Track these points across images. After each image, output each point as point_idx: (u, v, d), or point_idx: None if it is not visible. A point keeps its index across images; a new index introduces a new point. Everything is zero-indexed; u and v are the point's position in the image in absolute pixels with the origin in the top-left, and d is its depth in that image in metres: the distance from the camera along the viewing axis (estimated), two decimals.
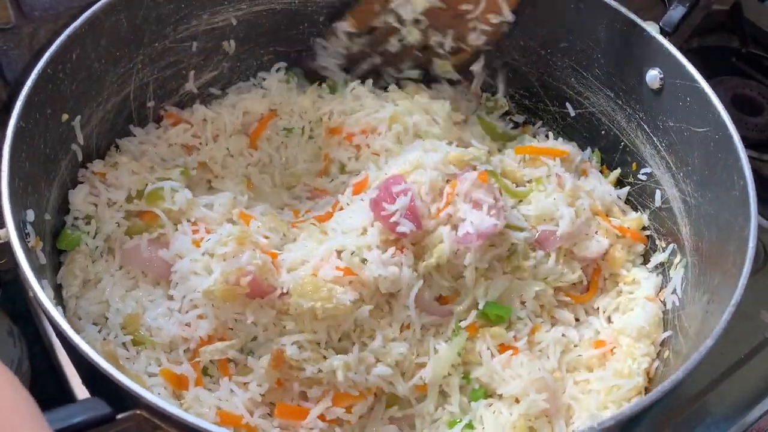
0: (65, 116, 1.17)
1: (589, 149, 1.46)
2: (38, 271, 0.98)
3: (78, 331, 0.97)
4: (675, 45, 1.24)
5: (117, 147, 1.33)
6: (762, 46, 1.88)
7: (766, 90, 1.80)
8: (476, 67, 1.50)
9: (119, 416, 0.82)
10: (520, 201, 1.29)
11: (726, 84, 1.78)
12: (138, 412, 0.83)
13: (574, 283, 1.29)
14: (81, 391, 1.18)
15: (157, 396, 0.82)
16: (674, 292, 1.23)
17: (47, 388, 1.29)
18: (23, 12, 1.31)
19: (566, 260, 1.27)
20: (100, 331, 1.14)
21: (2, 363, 0.68)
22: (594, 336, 1.24)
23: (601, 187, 1.36)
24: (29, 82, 1.07)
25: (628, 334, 1.20)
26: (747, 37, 1.89)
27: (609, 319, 1.27)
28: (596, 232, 1.30)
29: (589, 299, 1.29)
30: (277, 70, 1.49)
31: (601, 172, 1.44)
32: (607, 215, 1.34)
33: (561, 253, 1.26)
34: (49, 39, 1.34)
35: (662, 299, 1.25)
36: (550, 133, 1.49)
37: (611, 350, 1.20)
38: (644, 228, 1.35)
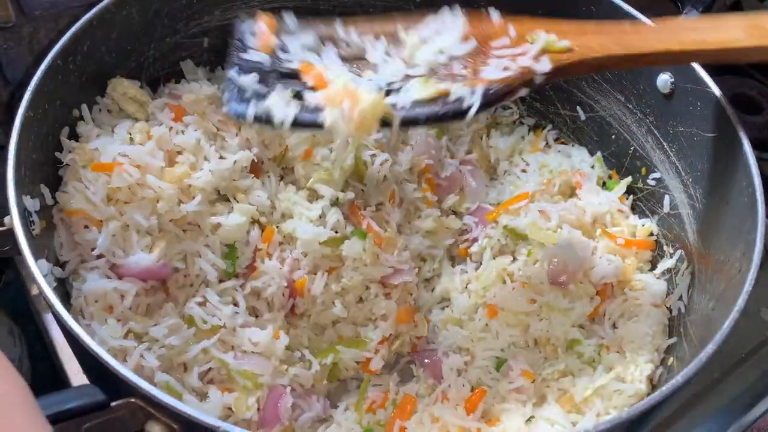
0: (76, 111, 1.19)
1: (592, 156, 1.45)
2: (38, 252, 0.98)
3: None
4: None
5: None
6: None
7: (765, 89, 1.78)
8: None
9: (113, 404, 0.82)
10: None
11: (726, 83, 1.73)
12: (132, 400, 0.83)
13: None
14: None
15: (151, 385, 0.82)
16: (680, 298, 1.22)
17: (47, 387, 1.29)
18: (24, 11, 1.32)
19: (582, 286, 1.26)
20: None
21: None
22: (598, 341, 1.23)
23: (596, 198, 1.34)
24: (39, 72, 1.08)
25: (632, 340, 1.19)
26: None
27: (614, 325, 1.25)
28: (600, 257, 1.28)
29: (597, 313, 1.27)
30: None
31: (610, 177, 1.43)
32: (609, 225, 1.33)
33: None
34: (49, 38, 1.36)
35: (668, 306, 1.24)
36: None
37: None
38: (651, 233, 1.33)
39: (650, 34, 1.07)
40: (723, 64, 1.78)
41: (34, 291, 1.37)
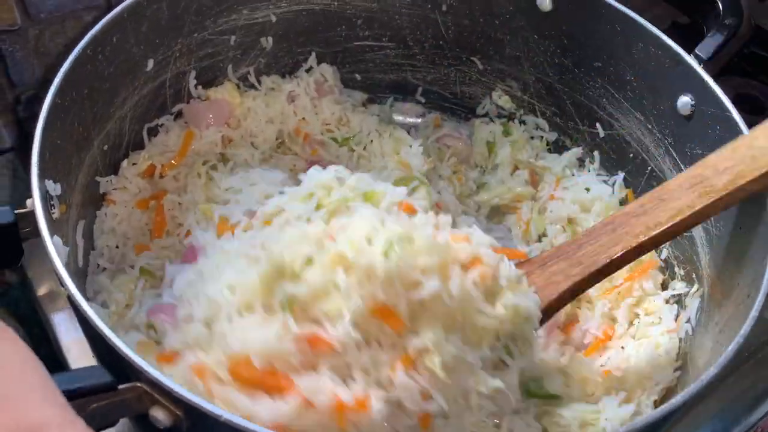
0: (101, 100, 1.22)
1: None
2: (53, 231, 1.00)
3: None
4: (709, 73, 1.23)
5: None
6: (765, 46, 1.84)
7: None
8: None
9: (120, 387, 0.83)
10: None
11: (729, 84, 1.74)
12: (139, 384, 0.84)
13: None
14: None
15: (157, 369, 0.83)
16: (688, 321, 1.21)
17: None
18: (29, 14, 1.33)
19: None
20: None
21: (8, 327, 0.69)
22: (606, 362, 1.23)
23: None
24: (68, 61, 1.10)
25: (640, 363, 1.19)
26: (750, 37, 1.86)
27: (622, 348, 1.25)
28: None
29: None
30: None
31: (627, 197, 1.43)
32: None
33: None
34: (55, 41, 1.37)
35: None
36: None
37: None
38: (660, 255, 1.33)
39: (604, 237, 1.07)
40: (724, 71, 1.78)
41: (41, 292, 1.37)
